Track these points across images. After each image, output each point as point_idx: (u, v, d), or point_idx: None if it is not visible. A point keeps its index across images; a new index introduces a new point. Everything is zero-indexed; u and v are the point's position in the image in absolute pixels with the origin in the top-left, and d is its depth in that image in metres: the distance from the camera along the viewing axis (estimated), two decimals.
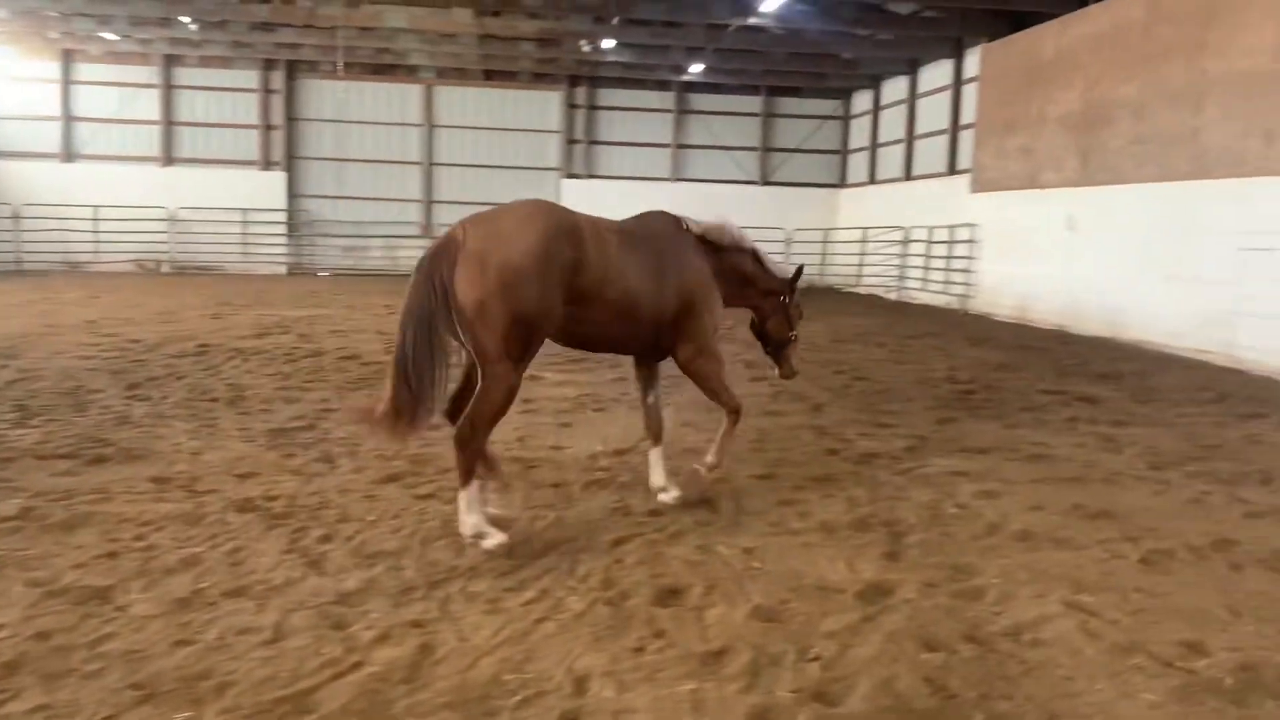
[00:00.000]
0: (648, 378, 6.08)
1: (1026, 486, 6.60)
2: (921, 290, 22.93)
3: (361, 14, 21.10)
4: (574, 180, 29.23)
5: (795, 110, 29.76)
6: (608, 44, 23.22)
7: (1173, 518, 5.96)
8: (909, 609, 4.36)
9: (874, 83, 27.18)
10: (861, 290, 26.27)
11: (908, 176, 24.96)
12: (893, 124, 26.29)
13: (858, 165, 28.92)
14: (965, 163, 21.72)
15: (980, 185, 20.05)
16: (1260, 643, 4.09)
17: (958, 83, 22.18)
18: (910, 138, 24.91)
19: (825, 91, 29.35)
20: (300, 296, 20.26)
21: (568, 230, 5.11)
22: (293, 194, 28.59)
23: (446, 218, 29.12)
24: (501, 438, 7.49)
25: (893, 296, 24.38)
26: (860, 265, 25.64)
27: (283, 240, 28.41)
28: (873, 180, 27.45)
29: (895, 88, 26.15)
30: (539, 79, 29.06)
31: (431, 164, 29.14)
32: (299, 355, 11.70)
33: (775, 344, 6.62)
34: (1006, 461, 7.34)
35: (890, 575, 4.78)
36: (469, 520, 4.95)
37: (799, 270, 6.62)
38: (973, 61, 21.36)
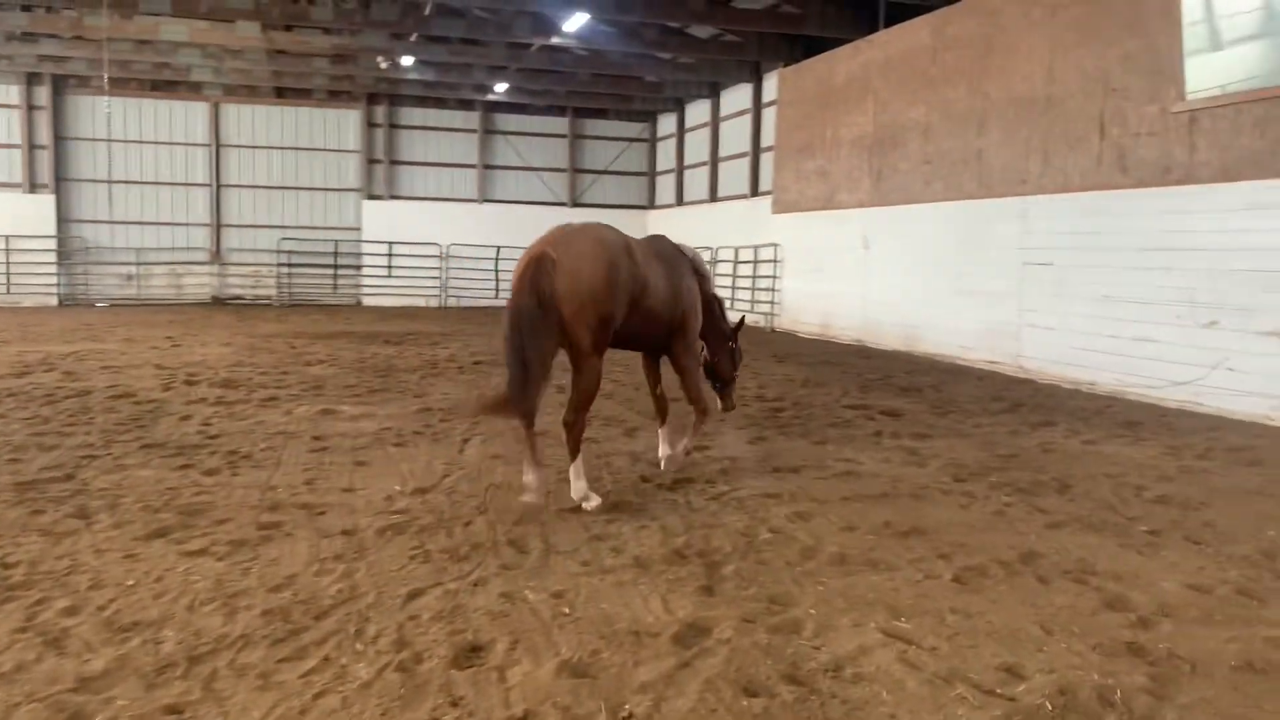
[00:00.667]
0: (653, 371, 7.59)
1: (838, 505, 6.53)
2: (730, 310, 23.23)
3: (135, 26, 19.58)
4: (375, 202, 28.25)
5: (602, 132, 29.82)
6: (406, 61, 22.51)
7: (980, 531, 6.00)
8: (727, 650, 4.10)
9: (678, 105, 27.55)
10: None
11: (713, 198, 25.38)
12: (698, 146, 26.71)
13: (665, 187, 29.23)
14: (767, 184, 22.23)
15: (781, 206, 20.53)
16: (1073, 661, 4.05)
17: (757, 106, 22.71)
18: (715, 160, 25.34)
19: (631, 114, 29.55)
20: (72, 330, 18.52)
21: (625, 250, 6.27)
22: (63, 219, 26.33)
23: (238, 242, 27.55)
24: (286, 482, 6.86)
25: None
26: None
27: (53, 269, 26.07)
28: (680, 202, 27.79)
29: (699, 110, 26.59)
30: (335, 96, 27.96)
31: (220, 186, 27.48)
32: (61, 396, 10.52)
33: (721, 382, 7.78)
34: (817, 480, 7.28)
35: (707, 613, 4.51)
36: (578, 485, 6.24)
37: (742, 320, 8.12)
38: (771, 85, 21.93)
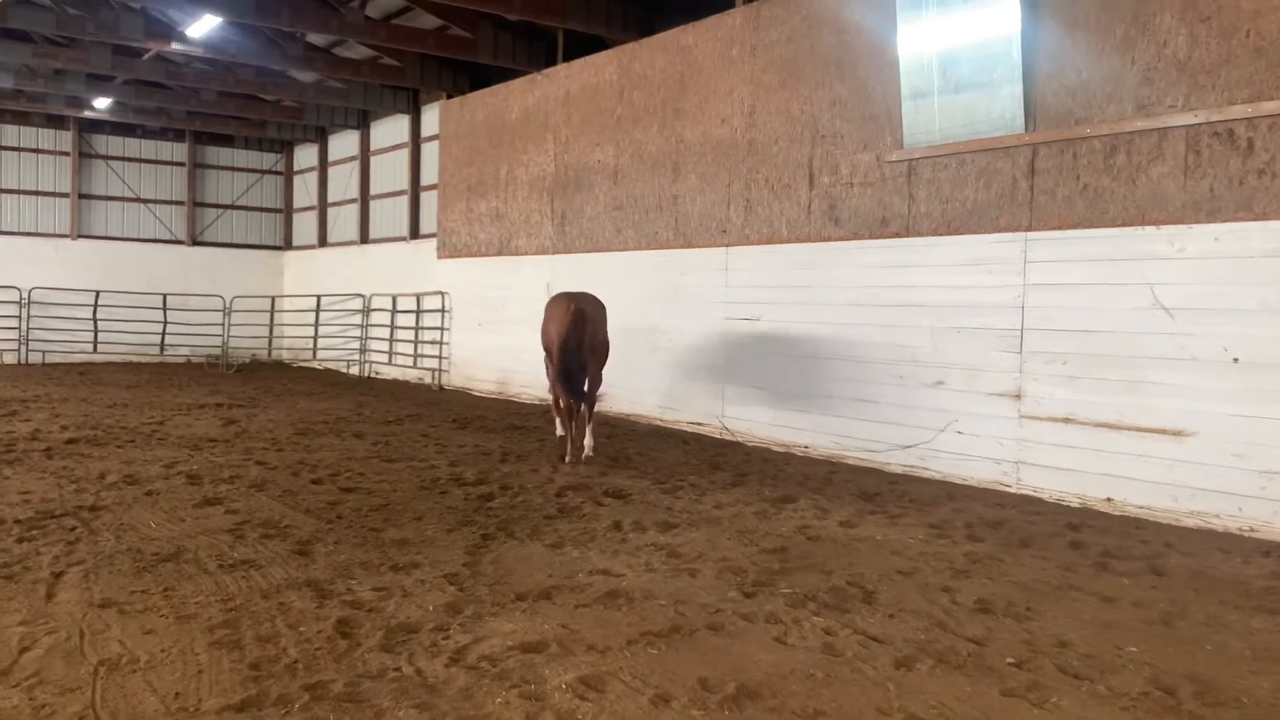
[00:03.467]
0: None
1: (627, 656, 4.79)
2: (388, 364, 20.85)
3: None
4: None
5: (229, 161, 26.19)
6: None
7: (826, 685, 4.50)
8: None
9: (320, 136, 24.75)
10: (317, 365, 23.48)
11: (364, 240, 22.85)
12: (343, 182, 24.06)
13: (305, 226, 26.16)
14: (430, 226, 20.20)
15: (448, 250, 18.59)
16: None
17: (416, 140, 20.66)
18: (365, 198, 22.87)
19: (264, 143, 26.25)
20: None
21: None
22: None
23: None
24: None
25: (354, 371, 21.99)
26: (315, 337, 22.84)
27: None
28: (324, 243, 24.90)
29: (345, 142, 23.99)
30: None
31: None
32: None
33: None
34: (580, 610, 5.49)
35: None
36: (589, 441, 10.65)
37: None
38: (431, 118, 20.01)
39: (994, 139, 9.45)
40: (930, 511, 8.51)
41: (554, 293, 15.63)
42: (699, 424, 12.88)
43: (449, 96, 18.49)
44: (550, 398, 11.86)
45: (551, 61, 16.00)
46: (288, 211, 26.87)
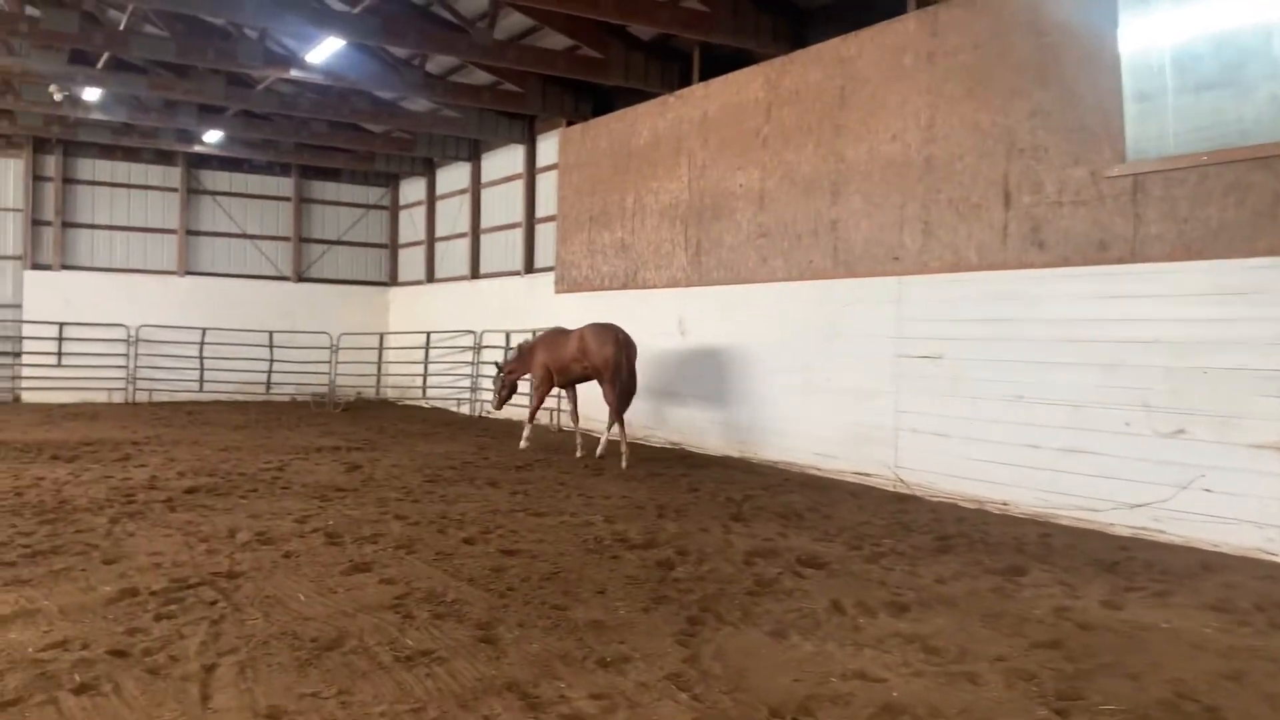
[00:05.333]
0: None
1: None
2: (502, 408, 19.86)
3: None
4: (42, 272, 22.56)
5: (335, 196, 25.75)
6: (90, 94, 17.69)
7: None
8: None
9: (428, 168, 24.14)
10: (425, 404, 22.69)
11: (475, 274, 22.06)
12: (452, 216, 23.36)
13: (411, 261, 25.55)
14: (545, 260, 19.30)
15: (567, 285, 17.63)
16: None
17: (531, 171, 19.82)
18: (476, 231, 22.11)
19: (370, 176, 25.78)
20: None
21: None
22: None
23: None
24: None
25: (464, 410, 21.13)
26: (424, 375, 22.06)
27: None
28: (432, 278, 24.20)
29: (455, 175, 23.31)
30: None
31: None
32: None
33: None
34: None
35: None
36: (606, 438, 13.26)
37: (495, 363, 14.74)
38: (548, 147, 19.16)
39: (1247, 148, 8.07)
40: (1196, 588, 7.10)
41: (683, 329, 14.82)
42: (865, 474, 11.57)
43: (569, 123, 17.61)
44: (532, 404, 14.39)
45: (685, 82, 15.00)
46: (393, 247, 26.31)
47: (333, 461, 13.00)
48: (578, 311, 17.19)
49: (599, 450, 13.41)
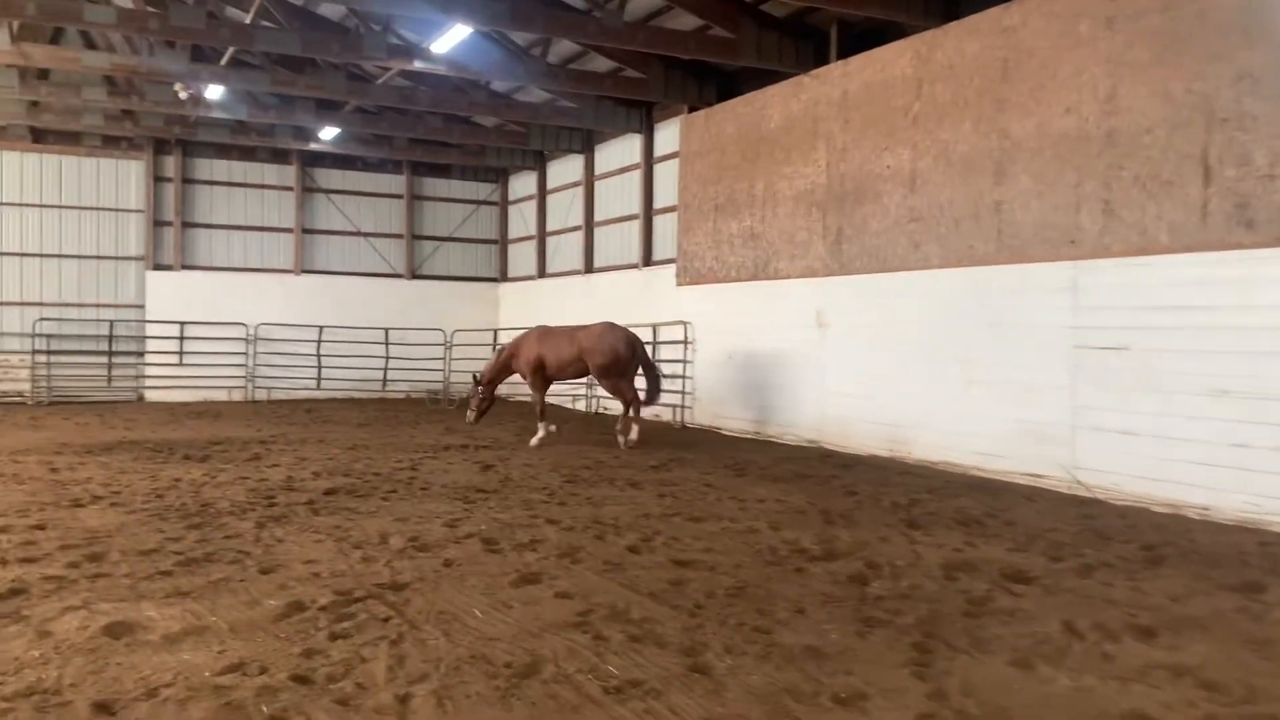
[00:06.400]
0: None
1: None
2: (611, 399, 19.38)
3: None
4: (163, 273, 22.85)
5: (445, 193, 25.60)
6: (213, 92, 17.71)
7: None
8: None
9: (539, 162, 23.79)
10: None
11: (589, 269, 21.61)
12: (564, 209, 22.96)
13: (521, 257, 25.25)
14: (663, 252, 18.73)
15: (690, 277, 17.03)
16: None
17: (649, 160, 19.26)
18: (590, 225, 21.65)
19: (480, 171, 25.56)
20: None
21: None
22: None
23: None
24: None
25: (579, 407, 20.70)
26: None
27: None
28: (543, 273, 23.85)
29: (566, 168, 22.90)
30: (112, 143, 22.56)
31: None
32: None
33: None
34: None
35: None
36: (634, 435, 13.81)
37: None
38: (667, 135, 18.56)
39: None
40: None
41: (821, 321, 14.07)
42: (1037, 475, 10.70)
43: (691, 110, 16.99)
44: (536, 404, 14.41)
45: (820, 61, 14.24)
46: (503, 242, 26.06)
47: (464, 461, 12.63)
48: (701, 305, 16.62)
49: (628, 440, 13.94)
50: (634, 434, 13.83)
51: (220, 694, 4.45)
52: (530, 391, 14.73)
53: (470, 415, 15.01)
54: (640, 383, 14.03)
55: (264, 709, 4.29)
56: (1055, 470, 10.50)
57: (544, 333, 14.34)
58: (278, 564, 6.95)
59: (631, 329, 18.66)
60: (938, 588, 6.59)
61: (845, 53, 13.79)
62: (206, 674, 4.71)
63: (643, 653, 5.13)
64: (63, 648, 5.00)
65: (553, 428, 14.23)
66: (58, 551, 7.16)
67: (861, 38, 13.78)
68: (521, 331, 15.38)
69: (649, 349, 18.33)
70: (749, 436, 15.45)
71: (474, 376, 15.00)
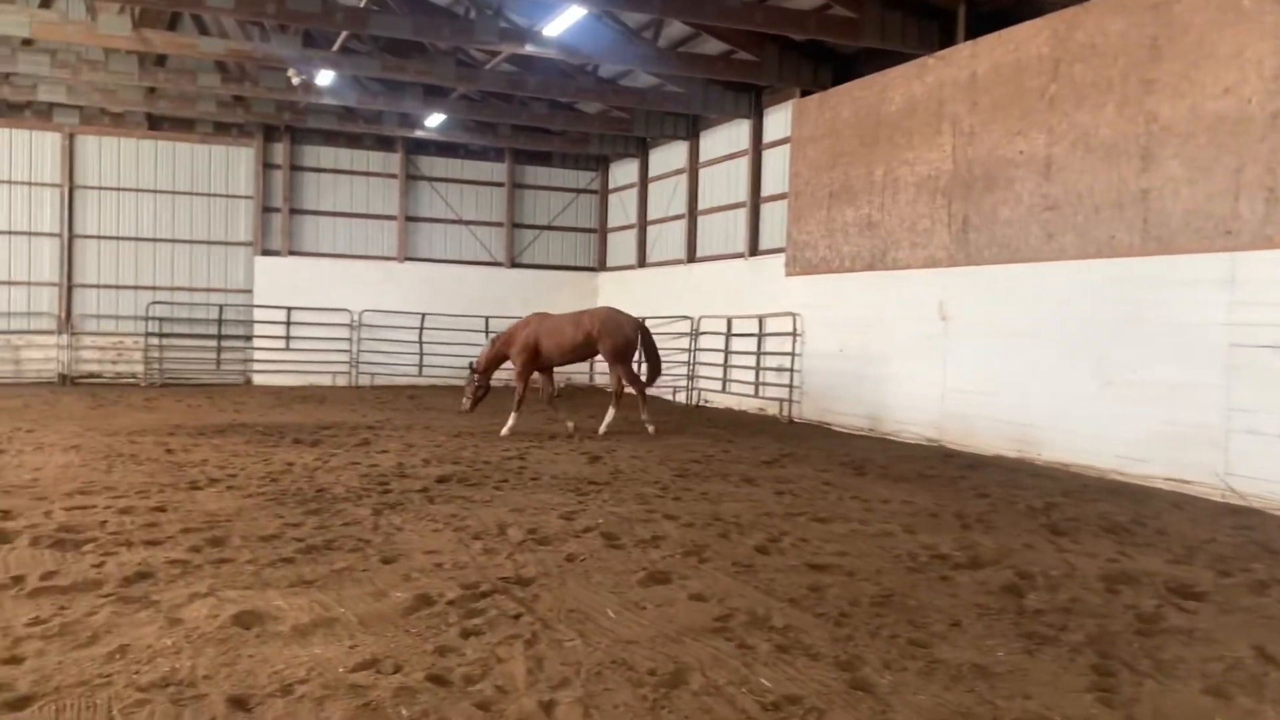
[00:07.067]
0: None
1: None
2: (721, 392, 19.04)
3: None
4: (271, 258, 23.20)
5: (545, 181, 25.48)
6: (324, 79, 17.83)
7: None
8: None
9: (640, 149, 23.48)
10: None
11: (691, 258, 21.24)
12: (666, 197, 22.62)
13: (621, 246, 25.00)
14: (771, 241, 18.26)
15: (800, 266, 16.54)
16: None
17: (757, 146, 18.78)
18: (693, 213, 21.27)
19: (579, 160, 25.38)
20: None
21: None
22: None
23: (96, 307, 22.20)
24: None
25: (680, 399, 20.37)
26: (639, 361, 21.37)
27: None
28: (643, 263, 23.56)
29: (669, 155, 22.54)
30: (223, 130, 22.96)
31: (73, 236, 22.08)
32: None
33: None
34: None
35: None
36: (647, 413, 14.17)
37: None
38: (778, 119, 18.07)
39: None
40: None
41: (944, 313, 13.43)
42: (1182, 481, 10.00)
43: (803, 94, 16.47)
44: (517, 392, 14.21)
45: (946, 42, 13.61)
46: (602, 231, 25.86)
47: (570, 451, 12.41)
48: (811, 295, 16.13)
49: (655, 424, 14.29)
50: (647, 419, 14.14)
51: (357, 693, 4.23)
52: (513, 379, 14.51)
53: (465, 403, 14.67)
54: (640, 368, 14.28)
55: (403, 712, 4.05)
56: (1204, 476, 9.79)
57: (542, 319, 14.23)
58: (399, 553, 6.77)
59: (734, 319, 18.39)
60: (1101, 601, 6.07)
61: (972, 34, 13.14)
62: (340, 670, 4.50)
63: (794, 664, 4.77)
64: (194, 637, 4.85)
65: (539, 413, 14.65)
66: (180, 535, 7.10)
67: (989, 18, 13.11)
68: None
69: (755, 341, 17.97)
70: (861, 433, 14.91)
71: (470, 365, 14.73)
